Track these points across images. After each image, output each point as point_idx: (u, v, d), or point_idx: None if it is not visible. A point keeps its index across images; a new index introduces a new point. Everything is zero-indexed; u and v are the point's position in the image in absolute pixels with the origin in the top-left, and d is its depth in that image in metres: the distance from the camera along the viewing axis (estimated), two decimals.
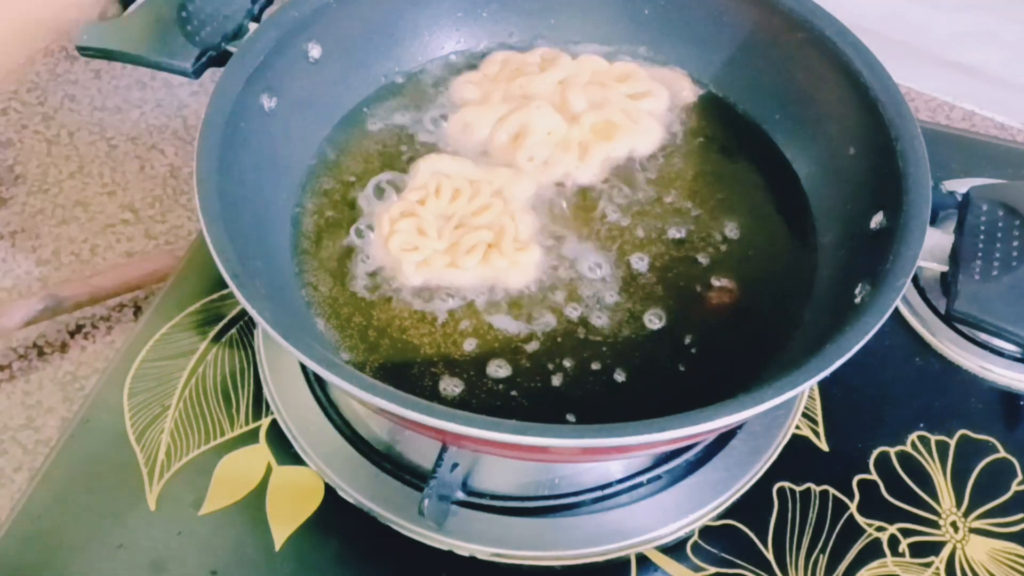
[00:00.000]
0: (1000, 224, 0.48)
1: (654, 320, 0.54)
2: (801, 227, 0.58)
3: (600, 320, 0.54)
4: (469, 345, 0.53)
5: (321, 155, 0.61)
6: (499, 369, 0.52)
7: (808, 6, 0.59)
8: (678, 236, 0.58)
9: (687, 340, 0.54)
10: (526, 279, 0.56)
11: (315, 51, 0.60)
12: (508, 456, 0.50)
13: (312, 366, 0.43)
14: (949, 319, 0.50)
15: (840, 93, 0.57)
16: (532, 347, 0.53)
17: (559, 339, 0.54)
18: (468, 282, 0.56)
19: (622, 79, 0.64)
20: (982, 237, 0.48)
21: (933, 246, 0.48)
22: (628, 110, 0.63)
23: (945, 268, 0.48)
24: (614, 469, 0.56)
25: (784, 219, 0.59)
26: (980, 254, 0.47)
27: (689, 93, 0.65)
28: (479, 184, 0.59)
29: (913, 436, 0.58)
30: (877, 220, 0.52)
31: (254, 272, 0.48)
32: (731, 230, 0.58)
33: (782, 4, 0.60)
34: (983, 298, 0.46)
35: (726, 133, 0.63)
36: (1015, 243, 0.47)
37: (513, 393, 0.51)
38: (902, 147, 0.52)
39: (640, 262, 0.57)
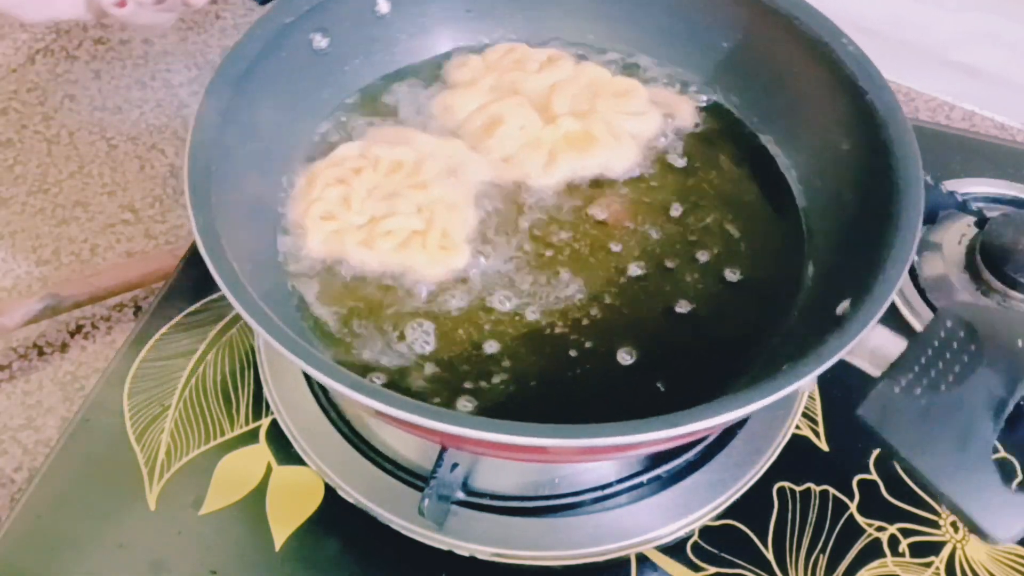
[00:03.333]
0: (954, 345, 0.44)
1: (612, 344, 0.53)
2: (790, 235, 0.58)
3: (532, 338, 0.53)
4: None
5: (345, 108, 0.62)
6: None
7: (803, 8, 0.58)
8: (627, 264, 0.56)
9: (650, 364, 0.53)
10: (440, 277, 0.55)
11: (384, 6, 0.62)
12: (505, 457, 0.50)
13: (319, 377, 0.43)
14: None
15: (835, 100, 0.56)
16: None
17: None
18: (375, 265, 0.55)
19: (620, 94, 0.63)
20: (930, 353, 0.44)
21: (877, 347, 0.45)
22: (612, 125, 0.61)
23: (877, 373, 0.45)
24: (614, 469, 0.56)
25: (771, 234, 0.58)
26: (917, 368, 0.44)
27: (688, 118, 0.63)
28: (426, 161, 0.58)
29: None
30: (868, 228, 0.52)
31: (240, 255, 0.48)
32: (703, 255, 0.57)
33: (777, 6, 0.59)
34: (891, 411, 0.43)
35: (720, 148, 0.62)
36: (956, 368, 0.43)
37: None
38: (895, 158, 0.51)
39: (576, 283, 0.55)
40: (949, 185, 0.66)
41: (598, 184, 0.60)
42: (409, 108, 0.63)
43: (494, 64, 0.64)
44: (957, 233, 0.68)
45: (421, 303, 0.54)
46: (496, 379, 0.51)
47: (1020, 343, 0.43)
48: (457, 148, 0.60)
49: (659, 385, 0.52)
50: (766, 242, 0.58)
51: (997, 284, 0.64)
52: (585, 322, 0.54)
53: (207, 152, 0.51)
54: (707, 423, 0.41)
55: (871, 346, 0.45)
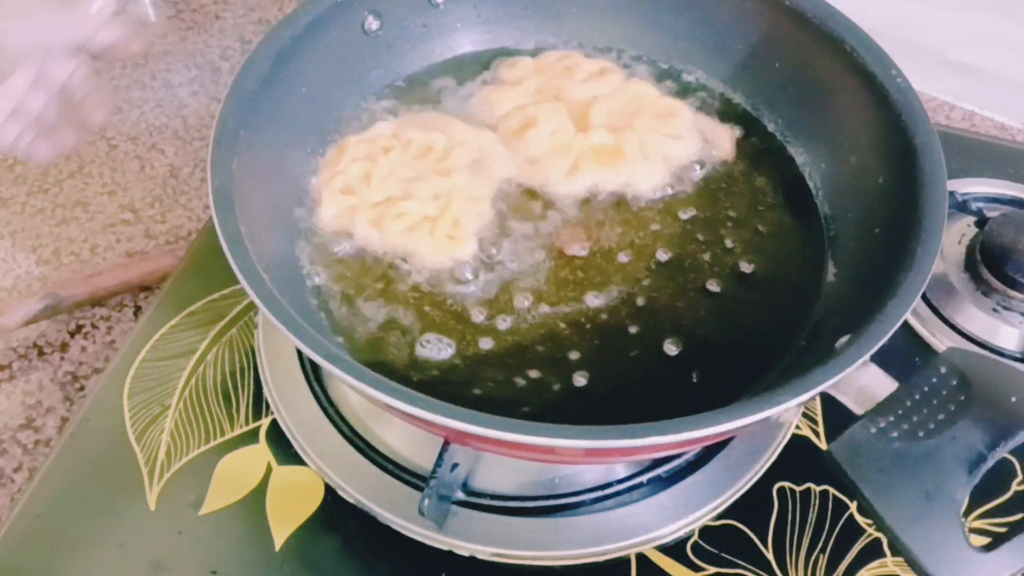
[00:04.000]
0: (944, 393, 0.42)
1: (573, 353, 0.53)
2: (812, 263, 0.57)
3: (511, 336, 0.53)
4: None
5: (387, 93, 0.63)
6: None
7: (843, 24, 0.58)
8: (620, 289, 0.55)
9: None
10: (442, 265, 0.55)
11: None
12: (509, 455, 0.49)
13: (351, 381, 0.42)
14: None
15: (879, 134, 0.55)
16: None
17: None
18: (379, 245, 0.55)
19: (662, 115, 0.61)
20: (918, 397, 0.43)
21: (866, 386, 0.44)
22: (645, 144, 0.60)
23: (860, 412, 0.43)
24: (614, 469, 0.56)
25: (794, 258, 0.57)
26: (900, 412, 0.42)
27: (727, 149, 0.61)
28: (456, 149, 0.58)
29: None
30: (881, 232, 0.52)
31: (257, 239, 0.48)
32: (713, 284, 0.56)
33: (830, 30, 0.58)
34: (862, 453, 0.41)
35: (755, 174, 0.61)
36: (940, 416, 0.42)
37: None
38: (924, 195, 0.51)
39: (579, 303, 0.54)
40: (949, 185, 0.66)
41: (618, 198, 0.59)
42: (452, 99, 0.63)
43: (544, 68, 0.64)
44: (957, 233, 0.68)
45: (417, 288, 0.54)
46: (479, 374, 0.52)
47: (1013, 399, 0.42)
48: (489, 140, 0.60)
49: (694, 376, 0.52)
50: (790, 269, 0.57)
51: (997, 284, 0.64)
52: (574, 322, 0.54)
53: (237, 117, 0.52)
54: (732, 424, 0.41)
55: (859, 384, 0.44)
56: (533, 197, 0.59)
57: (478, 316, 0.54)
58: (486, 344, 0.53)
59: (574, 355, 0.52)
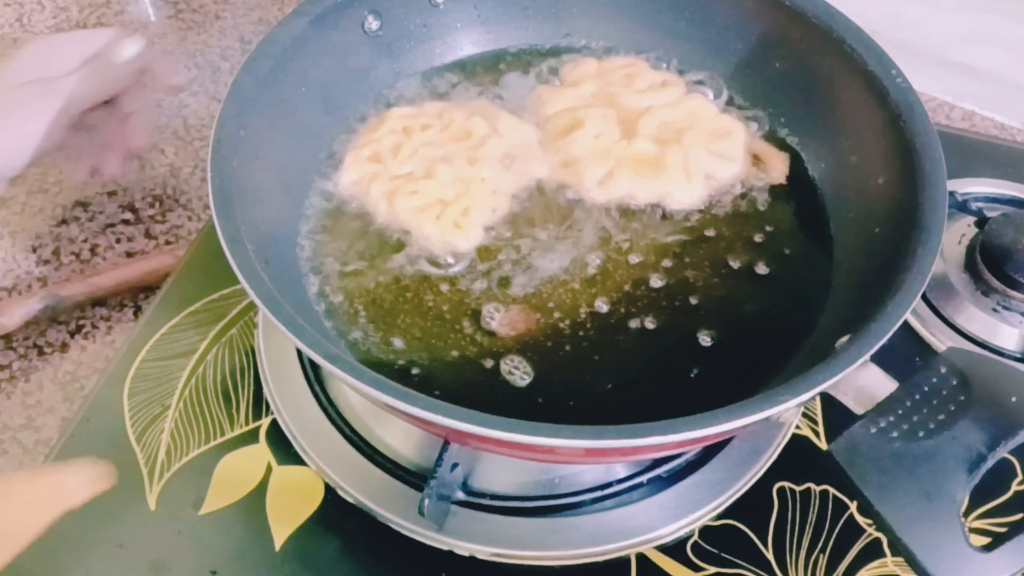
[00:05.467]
0: (944, 393, 0.42)
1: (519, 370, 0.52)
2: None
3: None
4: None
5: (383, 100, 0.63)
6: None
7: (843, 24, 0.58)
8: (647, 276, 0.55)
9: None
10: (440, 251, 0.55)
11: None
12: (509, 455, 0.49)
13: (353, 382, 0.42)
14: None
15: (881, 136, 0.55)
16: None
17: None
18: (385, 218, 0.56)
19: (715, 133, 0.60)
20: (918, 397, 0.42)
21: (865, 386, 0.44)
22: (690, 159, 0.59)
23: (861, 411, 0.43)
24: (614, 469, 0.56)
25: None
26: (900, 411, 0.42)
27: (779, 176, 0.60)
28: (492, 139, 0.58)
29: None
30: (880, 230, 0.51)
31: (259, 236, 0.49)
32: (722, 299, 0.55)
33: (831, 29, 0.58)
34: (862, 453, 0.41)
35: (783, 197, 0.60)
36: (940, 416, 0.42)
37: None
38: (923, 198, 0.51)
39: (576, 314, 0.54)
40: (949, 185, 0.66)
41: (650, 212, 0.58)
42: (512, 90, 0.64)
43: (606, 73, 0.63)
44: (957, 233, 0.68)
45: (416, 282, 0.54)
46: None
47: (1013, 399, 0.42)
48: (529, 137, 0.60)
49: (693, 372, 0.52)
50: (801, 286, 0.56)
51: (997, 284, 0.64)
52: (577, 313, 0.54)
53: (237, 117, 0.52)
54: (735, 423, 0.41)
55: (859, 384, 0.44)
56: (561, 201, 0.58)
57: (471, 315, 0.54)
58: (481, 345, 0.53)
59: (563, 356, 0.52)
